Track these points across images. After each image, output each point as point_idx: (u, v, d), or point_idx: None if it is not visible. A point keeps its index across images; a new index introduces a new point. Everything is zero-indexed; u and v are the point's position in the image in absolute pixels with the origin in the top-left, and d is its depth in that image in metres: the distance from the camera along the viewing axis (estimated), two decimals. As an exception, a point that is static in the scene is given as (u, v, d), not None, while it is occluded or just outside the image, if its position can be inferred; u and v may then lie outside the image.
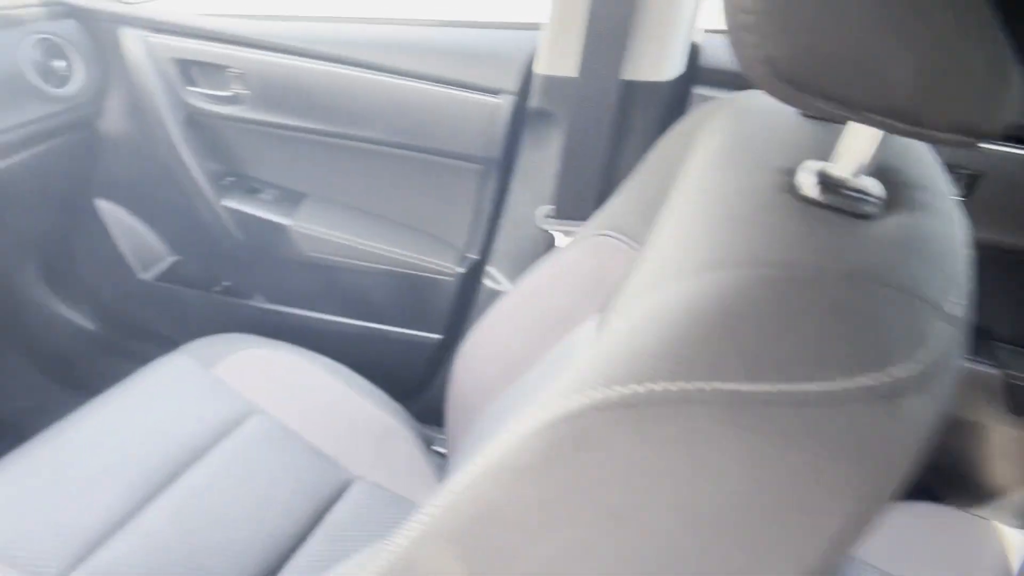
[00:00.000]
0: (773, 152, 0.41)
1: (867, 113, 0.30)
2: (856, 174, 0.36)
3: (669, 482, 0.27)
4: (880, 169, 0.37)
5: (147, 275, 1.27)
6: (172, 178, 1.13)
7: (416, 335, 1.14)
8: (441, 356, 1.15)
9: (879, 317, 0.29)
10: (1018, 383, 0.88)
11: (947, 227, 0.36)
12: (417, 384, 1.18)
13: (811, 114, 0.46)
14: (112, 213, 1.24)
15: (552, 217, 0.93)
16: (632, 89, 0.84)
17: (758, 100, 0.51)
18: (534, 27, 0.93)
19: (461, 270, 1.07)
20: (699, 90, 0.87)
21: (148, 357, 1.31)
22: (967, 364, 0.90)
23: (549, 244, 0.96)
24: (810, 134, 0.43)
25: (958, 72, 0.28)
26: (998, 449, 0.94)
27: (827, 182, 0.36)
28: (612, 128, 0.86)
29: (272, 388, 0.90)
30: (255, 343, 0.96)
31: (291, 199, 1.14)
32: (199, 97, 1.08)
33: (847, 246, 0.32)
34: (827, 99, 0.30)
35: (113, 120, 1.14)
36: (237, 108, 1.07)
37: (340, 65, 0.99)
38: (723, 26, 0.85)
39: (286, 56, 1.01)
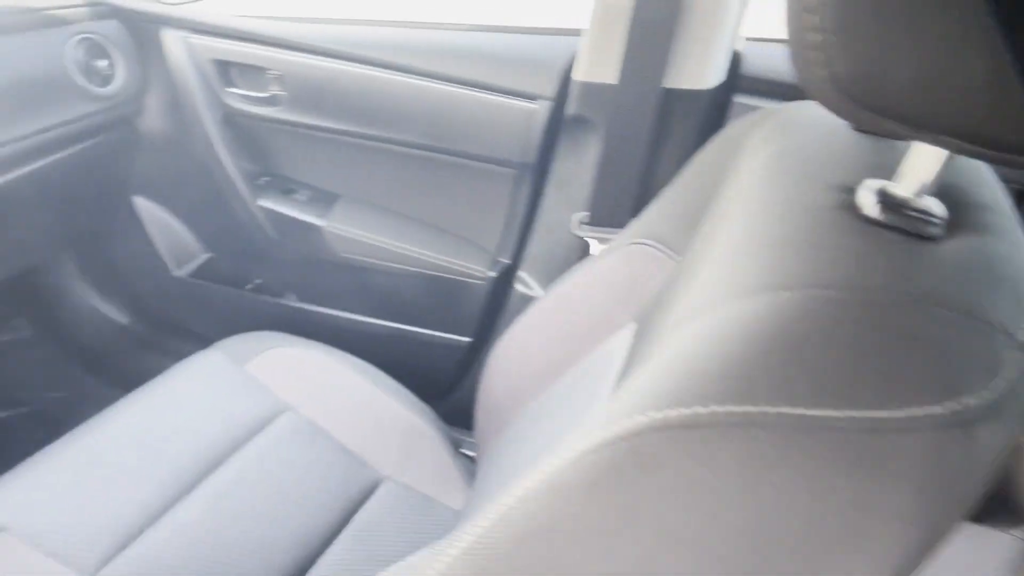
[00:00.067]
0: (828, 168, 0.40)
1: (934, 133, 0.29)
2: (919, 194, 0.35)
3: (730, 505, 0.26)
4: (942, 189, 0.36)
5: (181, 272, 1.29)
6: (209, 177, 1.15)
7: (446, 337, 1.14)
8: (470, 359, 1.15)
9: (949, 344, 0.28)
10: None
11: (1013, 249, 0.36)
12: (445, 386, 1.18)
13: (864, 129, 0.45)
14: (149, 210, 1.26)
15: (587, 224, 0.93)
16: (672, 97, 0.84)
17: (807, 112, 0.50)
18: (573, 33, 0.93)
19: (493, 274, 1.07)
20: (740, 99, 0.86)
21: (179, 352, 1.33)
22: None
23: (582, 251, 0.96)
24: (865, 149, 0.43)
25: None
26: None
27: (889, 202, 0.35)
28: (650, 136, 0.85)
29: (303, 386, 0.91)
30: (286, 341, 0.97)
31: (325, 200, 1.15)
32: (237, 98, 1.09)
33: (912, 269, 0.32)
34: (894, 118, 0.29)
35: (152, 119, 1.16)
36: (274, 109, 1.08)
37: (378, 68, 1.00)
38: (766, 34, 0.84)
39: (324, 59, 1.02)
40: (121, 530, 0.70)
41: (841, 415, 0.26)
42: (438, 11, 1.05)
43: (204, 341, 1.07)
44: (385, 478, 0.84)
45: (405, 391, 0.94)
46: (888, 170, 0.38)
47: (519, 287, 1.03)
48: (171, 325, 1.38)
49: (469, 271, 1.08)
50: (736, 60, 0.87)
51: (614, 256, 0.66)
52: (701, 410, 0.27)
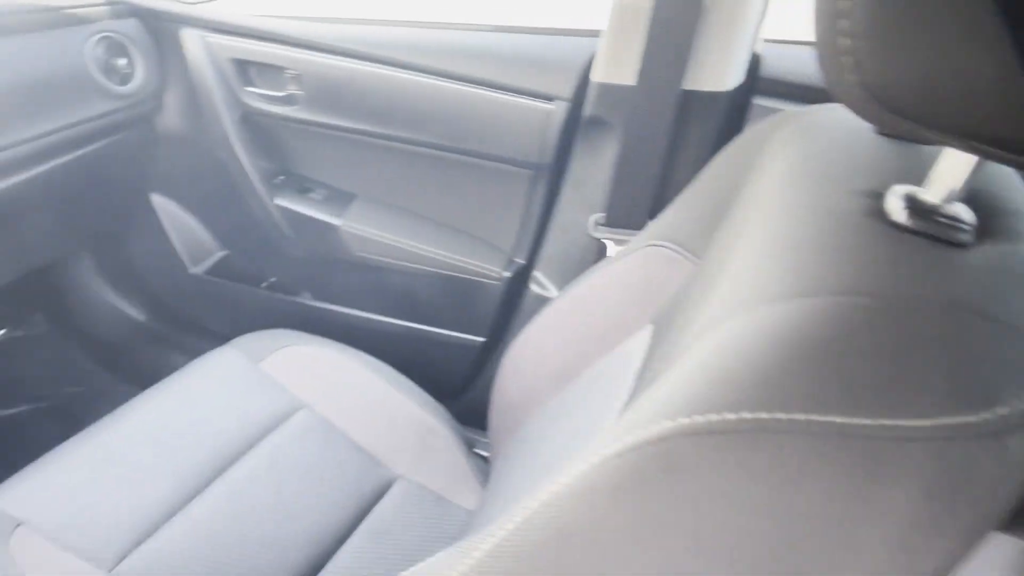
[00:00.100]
0: (853, 172, 0.40)
1: (967, 140, 0.29)
2: (947, 200, 0.35)
3: (759, 513, 0.26)
4: (971, 195, 0.36)
5: (197, 269, 1.30)
6: (226, 175, 1.16)
7: (460, 337, 1.14)
8: (484, 359, 1.15)
9: (981, 352, 0.28)
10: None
11: None
12: (459, 386, 1.19)
13: (894, 134, 0.44)
14: (166, 207, 1.27)
15: (603, 225, 0.92)
16: (690, 98, 0.83)
17: (829, 115, 0.50)
18: (590, 34, 0.92)
19: (507, 274, 1.07)
20: (760, 101, 0.85)
21: (194, 349, 1.34)
22: None
23: (598, 252, 0.96)
24: (889, 154, 0.42)
25: None
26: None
27: (917, 208, 0.35)
28: (668, 137, 0.85)
29: (317, 384, 0.91)
30: (301, 339, 0.97)
31: (341, 199, 1.16)
32: (255, 97, 1.10)
33: (943, 275, 0.31)
34: (926, 124, 0.29)
35: (170, 117, 1.17)
36: (291, 108, 1.09)
37: (395, 68, 1.00)
38: (786, 36, 0.83)
39: (342, 59, 1.03)
40: (138, 525, 0.71)
41: (872, 423, 0.26)
42: (455, 11, 1.05)
43: (219, 338, 1.08)
44: (399, 477, 0.84)
45: (419, 390, 0.95)
46: (913, 175, 0.37)
47: (534, 287, 1.03)
48: (186, 322, 1.39)
49: (484, 271, 1.08)
50: (755, 62, 0.87)
51: (631, 258, 0.66)
52: (731, 416, 0.27)
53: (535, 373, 0.73)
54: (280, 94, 1.08)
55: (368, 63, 1.01)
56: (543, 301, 1.01)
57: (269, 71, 1.08)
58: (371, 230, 1.11)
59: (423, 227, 1.12)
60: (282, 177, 1.18)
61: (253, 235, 1.22)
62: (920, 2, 0.26)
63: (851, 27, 0.28)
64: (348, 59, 1.02)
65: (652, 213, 0.89)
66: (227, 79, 1.10)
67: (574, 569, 0.29)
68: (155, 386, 0.88)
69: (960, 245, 0.34)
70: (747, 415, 0.27)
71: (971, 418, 0.26)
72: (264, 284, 1.27)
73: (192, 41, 1.08)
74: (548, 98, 0.94)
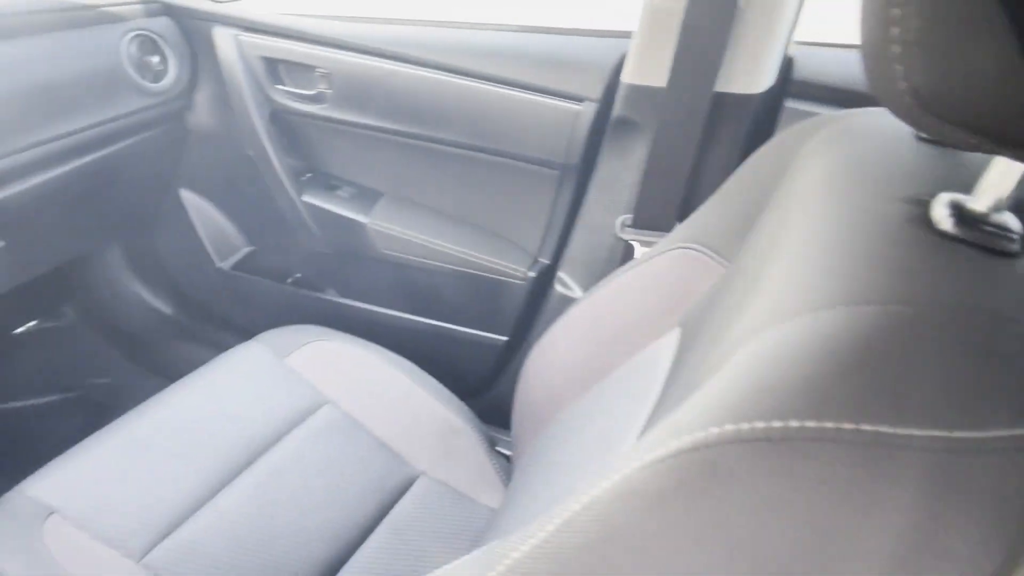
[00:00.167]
0: (895, 179, 0.39)
1: (1018, 149, 0.28)
2: (995, 209, 0.34)
3: (805, 522, 0.26)
4: (1016, 203, 0.35)
5: (224, 264, 1.31)
6: (255, 172, 1.17)
7: (483, 336, 1.15)
8: (507, 358, 1.15)
9: None
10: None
11: None
12: (481, 384, 1.19)
13: (928, 138, 0.44)
14: (194, 203, 1.29)
15: (630, 227, 0.92)
16: (721, 100, 0.83)
17: (867, 120, 0.49)
18: (620, 35, 0.92)
19: (532, 274, 1.07)
20: (791, 104, 0.85)
21: (219, 343, 1.36)
22: None
23: (624, 253, 0.95)
24: (932, 160, 0.42)
25: None
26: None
27: (964, 216, 0.34)
28: (698, 139, 0.85)
29: (341, 380, 0.92)
30: (326, 335, 0.98)
31: (368, 197, 1.16)
32: (284, 95, 1.11)
33: (991, 285, 0.31)
34: (977, 133, 0.28)
35: (200, 114, 1.18)
36: (320, 107, 1.10)
37: (424, 68, 1.01)
38: (820, 39, 0.81)
39: (371, 58, 1.03)
40: (166, 516, 0.72)
41: (923, 434, 0.26)
42: (483, 12, 1.05)
43: (244, 333, 1.09)
44: (421, 474, 0.84)
45: (442, 388, 0.95)
46: (957, 182, 0.37)
47: (559, 288, 1.03)
48: (212, 316, 1.41)
49: (509, 271, 1.08)
50: (788, 64, 0.86)
51: (659, 260, 0.65)
52: (778, 424, 0.27)
53: (559, 373, 0.73)
54: (309, 92, 1.10)
55: (397, 62, 1.02)
56: (567, 301, 1.01)
57: (299, 69, 1.09)
58: (397, 228, 1.12)
59: (449, 226, 1.12)
60: (309, 174, 1.19)
61: (280, 231, 1.23)
62: (974, 10, 0.25)
63: (902, 34, 0.28)
64: (377, 58, 1.03)
65: (680, 215, 0.89)
66: (257, 77, 1.11)
67: (616, 573, 0.29)
68: (183, 379, 0.90)
69: (1008, 255, 0.34)
70: (794, 423, 0.26)
71: (1023, 431, 0.26)
72: (289, 280, 1.29)
73: (224, 39, 1.10)
74: (577, 99, 0.94)
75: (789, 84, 0.86)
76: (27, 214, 0.99)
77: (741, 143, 0.86)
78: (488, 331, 1.14)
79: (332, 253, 1.21)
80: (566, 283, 1.03)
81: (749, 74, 0.81)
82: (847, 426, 0.26)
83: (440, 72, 1.00)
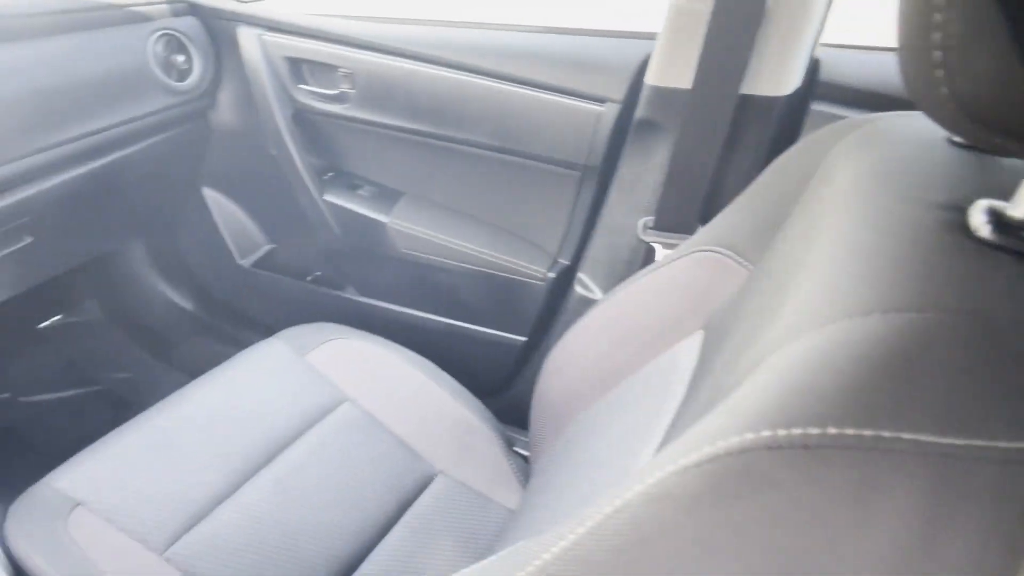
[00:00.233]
0: (930, 184, 0.39)
1: None
2: None
3: (843, 530, 0.26)
4: None
5: (245, 262, 1.32)
6: (277, 171, 1.18)
7: (501, 336, 1.15)
8: (525, 358, 1.16)
9: None
10: None
11: None
12: (499, 384, 1.19)
13: (962, 143, 0.43)
14: (217, 201, 1.30)
15: (652, 228, 0.92)
16: (746, 103, 0.82)
17: (897, 124, 0.49)
18: (644, 36, 0.92)
19: (552, 275, 1.07)
20: (818, 106, 0.84)
21: (239, 339, 1.37)
22: None
23: (644, 254, 0.95)
24: (968, 166, 0.41)
25: None
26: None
27: (1003, 223, 0.34)
28: (722, 141, 0.84)
29: (361, 378, 0.92)
30: (345, 333, 0.99)
31: (388, 197, 1.17)
32: (307, 94, 1.12)
33: None
34: (1019, 139, 0.28)
35: (224, 113, 1.19)
36: (342, 106, 1.10)
37: (447, 69, 1.01)
38: (847, 41, 0.80)
39: (393, 58, 1.04)
40: (189, 510, 0.73)
41: (963, 443, 0.25)
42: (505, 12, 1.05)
43: (264, 329, 1.10)
44: (439, 472, 0.85)
45: (460, 387, 0.95)
46: (994, 188, 0.36)
47: (578, 289, 1.03)
48: (233, 313, 1.42)
49: (528, 271, 1.08)
50: (815, 66, 0.85)
51: (681, 262, 0.65)
52: (815, 431, 0.26)
53: (578, 374, 0.73)
54: (332, 92, 1.10)
55: (419, 63, 1.02)
56: (587, 303, 1.01)
57: (322, 69, 1.10)
58: (417, 228, 1.13)
59: (469, 226, 1.13)
60: (331, 174, 1.20)
61: (300, 230, 1.24)
62: (1017, 15, 0.25)
63: (944, 40, 0.27)
64: (399, 58, 1.03)
65: (703, 218, 0.88)
66: (281, 77, 1.12)
67: None
68: (205, 375, 0.91)
69: None
70: (832, 430, 0.26)
71: None
72: (309, 278, 1.30)
73: (248, 39, 1.11)
74: (599, 100, 0.94)
75: (815, 86, 0.85)
76: (53, 211, 1.01)
77: (766, 146, 0.85)
78: (506, 331, 1.14)
79: (352, 252, 1.22)
80: (586, 284, 1.03)
81: (775, 76, 0.81)
82: (886, 434, 0.26)
83: (462, 72, 1.00)
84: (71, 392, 1.35)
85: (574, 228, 1.05)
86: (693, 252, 0.64)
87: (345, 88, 1.09)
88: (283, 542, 0.73)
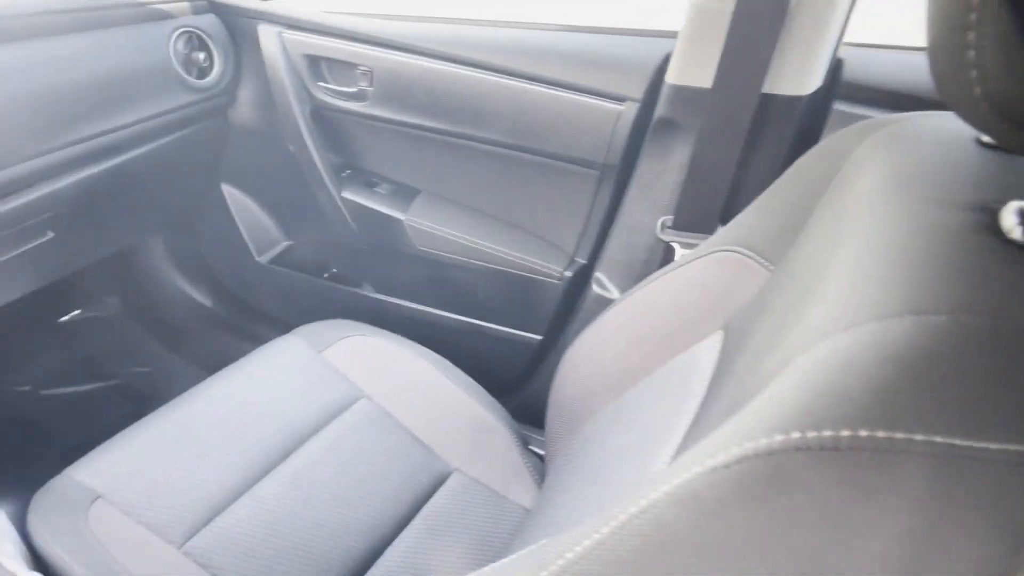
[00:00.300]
0: (960, 186, 0.38)
1: None
2: None
3: (873, 534, 0.25)
4: None
5: (262, 258, 1.33)
6: (296, 168, 1.19)
7: (517, 334, 1.15)
8: (541, 357, 1.15)
9: None
10: None
11: None
12: (515, 383, 1.19)
13: (992, 143, 0.43)
14: (235, 197, 1.31)
15: (671, 228, 0.91)
16: (767, 102, 0.82)
17: (923, 124, 0.48)
18: (663, 35, 0.91)
19: (568, 274, 1.07)
20: (840, 106, 0.83)
21: (256, 335, 1.38)
22: None
23: (662, 254, 0.95)
24: (998, 167, 0.41)
25: None
26: None
27: None
28: (743, 141, 0.84)
29: (377, 375, 0.93)
30: (362, 330, 0.99)
31: (406, 194, 1.17)
32: (326, 92, 1.12)
33: None
34: None
35: (243, 110, 1.20)
36: (361, 104, 1.11)
37: (465, 67, 1.01)
38: (871, 40, 0.79)
39: (412, 56, 1.04)
40: (207, 504, 0.74)
41: (997, 448, 0.25)
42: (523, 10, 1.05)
43: (281, 325, 1.10)
44: (455, 470, 0.85)
45: (476, 385, 0.95)
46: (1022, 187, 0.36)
47: (595, 288, 1.03)
48: (250, 309, 1.43)
49: (545, 270, 1.08)
50: (837, 66, 0.84)
51: (701, 262, 0.65)
52: (846, 433, 0.26)
53: (595, 373, 0.73)
54: (350, 90, 1.11)
55: (438, 60, 1.02)
56: (604, 302, 1.01)
57: (340, 67, 1.10)
58: (434, 225, 1.13)
59: (485, 224, 1.13)
60: (349, 171, 1.20)
61: (318, 226, 1.24)
62: None
63: (978, 39, 0.27)
64: (418, 56, 1.04)
65: (723, 218, 0.88)
66: (300, 74, 1.12)
67: None
68: (223, 371, 0.91)
69: None
70: (863, 433, 0.26)
71: None
72: (326, 275, 1.30)
73: (268, 37, 1.11)
74: (618, 99, 0.93)
75: (838, 86, 0.84)
76: (74, 207, 1.02)
77: (787, 145, 0.84)
78: (523, 330, 1.14)
79: (369, 249, 1.22)
80: (603, 283, 1.02)
81: (797, 75, 0.80)
82: (919, 437, 0.25)
83: (481, 70, 1.00)
84: (90, 386, 1.37)
85: (592, 227, 1.05)
86: (713, 252, 0.63)
87: (363, 86, 1.09)
88: (299, 538, 0.73)
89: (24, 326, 1.37)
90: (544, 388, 0.82)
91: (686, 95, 0.86)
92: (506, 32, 1.01)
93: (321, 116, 1.15)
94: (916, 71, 0.80)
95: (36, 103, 0.88)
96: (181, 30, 1.08)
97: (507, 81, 0.99)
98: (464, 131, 1.05)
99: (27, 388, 1.33)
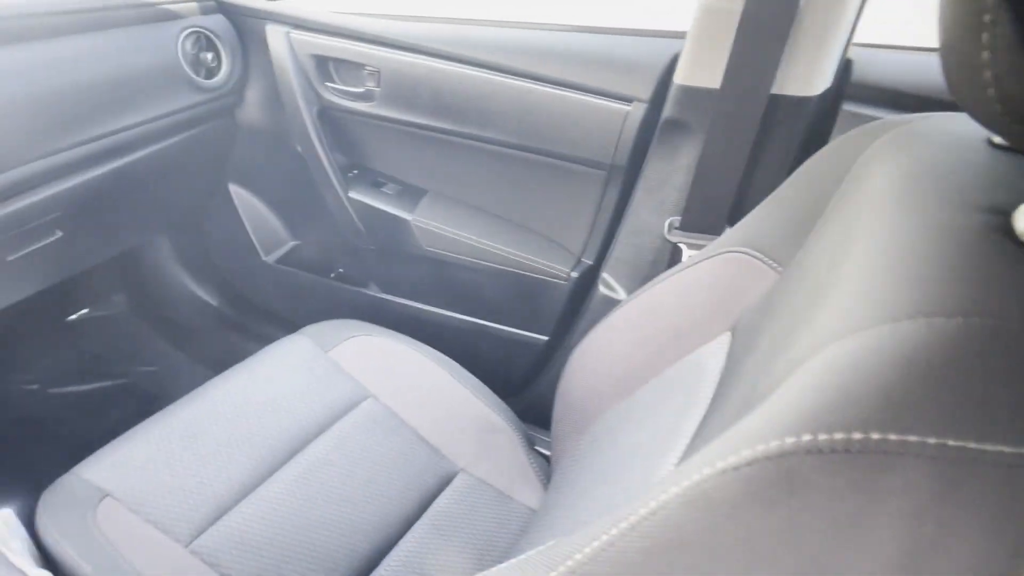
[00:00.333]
0: (971, 187, 0.38)
1: None
2: None
3: (884, 538, 0.25)
4: None
5: (269, 258, 1.34)
6: (303, 168, 1.19)
7: (523, 335, 1.15)
8: (547, 357, 1.15)
9: None
10: None
11: None
12: (521, 383, 1.19)
13: (1005, 145, 0.42)
14: (243, 197, 1.32)
15: (679, 229, 0.91)
16: (776, 103, 0.81)
17: (934, 125, 0.48)
18: (670, 35, 0.91)
19: (575, 274, 1.07)
20: (849, 107, 0.83)
21: (262, 334, 1.39)
22: None
23: (669, 255, 0.95)
24: (1009, 169, 0.40)
25: None
26: None
27: None
28: (751, 142, 0.83)
29: (383, 375, 0.93)
30: (368, 330, 0.99)
31: (412, 194, 1.17)
32: (333, 92, 1.12)
33: None
34: None
35: (250, 110, 1.21)
36: (368, 104, 1.11)
37: (473, 67, 1.01)
38: (881, 41, 0.79)
39: (419, 56, 1.04)
40: (214, 503, 0.74)
41: (1012, 451, 0.25)
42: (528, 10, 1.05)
43: (287, 325, 1.11)
44: (461, 470, 0.85)
45: (482, 385, 0.95)
46: None
47: (602, 289, 1.03)
48: (257, 308, 1.44)
49: (552, 270, 1.08)
50: (846, 66, 0.84)
51: (709, 263, 0.64)
52: (858, 436, 0.26)
53: (602, 374, 0.73)
54: (358, 90, 1.11)
55: (445, 61, 1.02)
56: (610, 303, 1.00)
57: (348, 67, 1.10)
58: (441, 226, 1.13)
59: (492, 224, 1.13)
60: (356, 171, 1.20)
61: (325, 227, 1.25)
62: None
63: (991, 40, 0.27)
64: (425, 57, 1.04)
65: (731, 219, 0.87)
66: (307, 74, 1.13)
67: None
68: (229, 370, 0.91)
69: None
70: (875, 436, 0.26)
71: None
72: (333, 275, 1.30)
73: (276, 37, 1.12)
74: (626, 99, 0.93)
75: (847, 86, 0.84)
76: (82, 207, 1.02)
77: (796, 146, 0.84)
78: (529, 330, 1.14)
79: (375, 249, 1.22)
80: (610, 284, 1.02)
81: (806, 76, 0.79)
82: (930, 440, 0.25)
83: (488, 71, 1.00)
84: (98, 385, 1.38)
85: (599, 228, 1.05)
86: (721, 253, 0.63)
87: (371, 86, 1.09)
88: (306, 537, 0.73)
89: (32, 325, 1.38)
90: (550, 389, 0.82)
91: (694, 96, 0.86)
92: (513, 32, 1.01)
93: (328, 116, 1.16)
94: (926, 72, 0.79)
95: (45, 103, 0.89)
96: (189, 30, 1.08)
97: (514, 81, 0.99)
98: (471, 131, 1.05)
99: (35, 387, 1.33)
